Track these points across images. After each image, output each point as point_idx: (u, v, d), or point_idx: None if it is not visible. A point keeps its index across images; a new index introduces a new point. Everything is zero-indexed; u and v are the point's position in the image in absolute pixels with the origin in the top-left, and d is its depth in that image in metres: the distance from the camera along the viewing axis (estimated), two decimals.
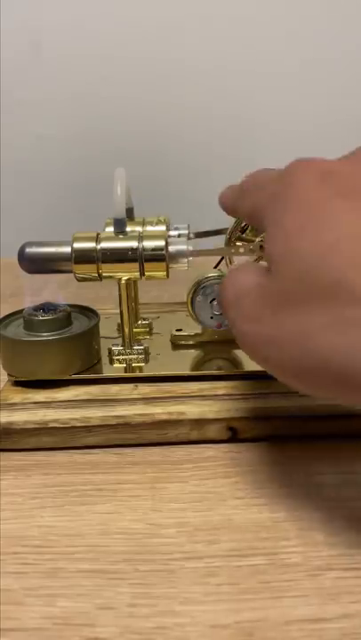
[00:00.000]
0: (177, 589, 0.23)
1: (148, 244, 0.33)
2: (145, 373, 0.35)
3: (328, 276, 0.21)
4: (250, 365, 0.35)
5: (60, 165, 0.69)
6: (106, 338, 0.37)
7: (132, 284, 0.36)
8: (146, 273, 0.34)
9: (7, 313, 0.36)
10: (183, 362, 0.36)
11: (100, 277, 0.34)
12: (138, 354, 0.36)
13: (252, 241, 0.36)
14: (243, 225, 0.35)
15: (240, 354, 0.37)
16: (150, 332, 0.40)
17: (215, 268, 0.37)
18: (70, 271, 0.34)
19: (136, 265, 0.33)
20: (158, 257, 0.33)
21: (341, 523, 0.26)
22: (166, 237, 0.34)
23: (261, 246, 0.34)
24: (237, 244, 0.35)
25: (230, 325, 0.25)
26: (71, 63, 0.67)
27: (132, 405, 0.32)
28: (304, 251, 0.21)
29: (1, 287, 0.50)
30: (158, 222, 0.36)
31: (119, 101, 0.68)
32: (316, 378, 0.21)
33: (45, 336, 0.34)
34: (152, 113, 0.68)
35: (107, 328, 0.38)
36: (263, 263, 0.27)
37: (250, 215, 0.28)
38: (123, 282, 0.35)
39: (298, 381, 0.22)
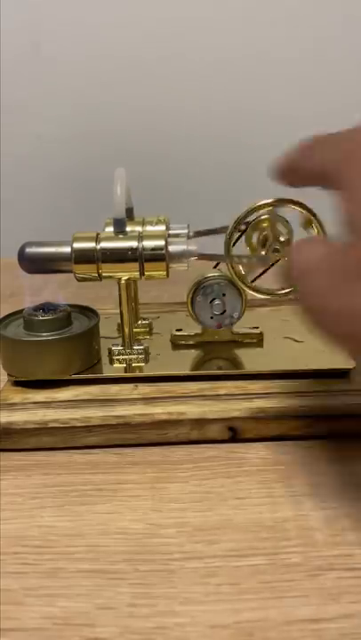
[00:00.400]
0: (177, 589, 0.23)
1: (148, 243, 0.33)
2: (145, 373, 0.35)
3: None
4: (250, 365, 0.35)
5: (60, 165, 0.69)
6: (106, 338, 0.37)
7: (132, 284, 0.36)
8: (146, 273, 0.34)
9: (7, 313, 0.36)
10: (183, 362, 0.36)
11: (100, 277, 0.34)
12: (138, 354, 0.36)
13: (251, 243, 0.36)
14: (245, 222, 0.35)
15: (240, 354, 0.37)
16: (150, 332, 0.40)
17: (215, 267, 0.37)
18: (70, 271, 0.34)
19: (136, 265, 0.33)
20: (158, 257, 0.33)
21: (341, 523, 0.26)
22: (166, 237, 0.34)
23: (263, 258, 0.34)
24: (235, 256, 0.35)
25: (300, 299, 0.23)
26: (71, 63, 0.67)
27: (132, 405, 0.32)
28: None
29: (1, 287, 0.50)
30: (158, 222, 0.36)
31: (119, 101, 0.68)
32: None
33: (45, 336, 0.34)
34: (152, 113, 0.68)
35: (107, 328, 0.38)
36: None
37: (319, 172, 0.26)
38: (123, 282, 0.35)
39: None
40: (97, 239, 0.33)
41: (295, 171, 0.27)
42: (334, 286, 0.22)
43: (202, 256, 0.34)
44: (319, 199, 0.29)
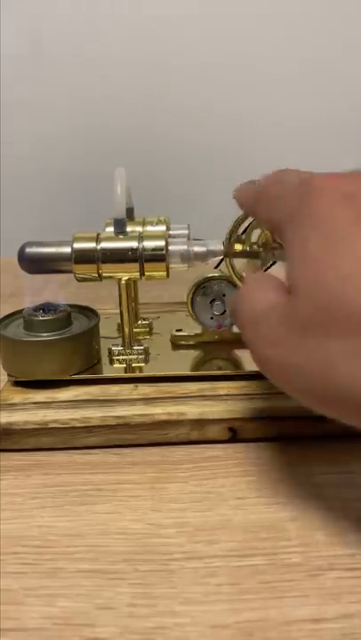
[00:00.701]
0: (177, 589, 0.23)
1: (148, 244, 0.33)
2: (145, 373, 0.35)
3: (351, 305, 0.20)
4: (250, 365, 0.35)
5: (61, 165, 0.69)
6: (106, 338, 0.37)
7: (132, 284, 0.36)
8: (146, 273, 0.34)
9: (7, 313, 0.36)
10: (183, 362, 0.36)
11: (100, 277, 0.34)
12: (138, 354, 0.36)
13: (252, 243, 0.36)
14: (243, 226, 0.35)
15: (240, 354, 0.37)
16: (150, 332, 0.40)
17: (215, 268, 0.37)
18: (70, 271, 0.34)
19: (136, 265, 0.33)
20: (158, 257, 0.33)
21: (341, 523, 0.26)
22: (166, 237, 0.34)
23: (261, 253, 0.34)
24: (237, 246, 0.35)
25: (249, 347, 0.25)
26: (71, 63, 0.67)
27: (132, 406, 0.32)
28: (328, 277, 0.21)
29: (1, 287, 0.50)
30: (158, 222, 0.36)
31: (119, 101, 0.68)
32: (339, 406, 0.21)
33: (45, 336, 0.34)
34: (152, 113, 0.68)
35: (107, 328, 0.38)
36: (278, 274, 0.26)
37: (267, 224, 0.28)
38: (123, 282, 0.35)
39: (321, 407, 0.22)
40: (97, 239, 0.33)
41: (250, 212, 0.30)
42: (279, 339, 0.23)
43: (200, 256, 0.34)
44: None
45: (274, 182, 0.27)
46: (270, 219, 0.26)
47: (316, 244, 0.22)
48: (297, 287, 0.23)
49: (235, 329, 0.37)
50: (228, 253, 0.35)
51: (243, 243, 0.35)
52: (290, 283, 0.23)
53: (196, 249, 0.34)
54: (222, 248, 0.34)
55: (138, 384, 0.34)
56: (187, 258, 0.34)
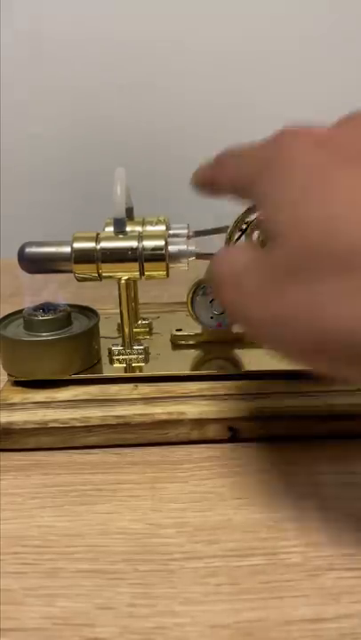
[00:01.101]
0: (177, 589, 0.23)
1: (148, 243, 0.33)
2: (145, 373, 0.35)
3: (341, 243, 0.20)
4: (250, 365, 0.35)
5: (60, 165, 0.69)
6: (106, 338, 0.37)
7: (131, 284, 0.36)
8: (146, 273, 0.34)
9: (7, 313, 0.36)
10: (183, 362, 0.36)
11: (100, 277, 0.34)
12: (138, 354, 0.36)
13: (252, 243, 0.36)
14: (243, 226, 0.35)
15: (240, 354, 0.37)
16: (150, 332, 0.40)
17: None
18: (70, 271, 0.34)
19: (136, 265, 0.33)
20: (158, 257, 0.33)
21: (342, 523, 0.26)
22: (166, 237, 0.34)
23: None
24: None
25: (230, 308, 0.24)
26: (71, 63, 0.67)
27: (132, 405, 0.32)
28: (312, 218, 0.20)
29: (1, 287, 0.50)
30: (158, 222, 0.36)
31: (119, 101, 0.68)
32: (328, 353, 0.20)
33: (45, 336, 0.34)
34: (152, 113, 0.68)
35: (107, 328, 0.38)
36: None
37: (234, 185, 0.26)
38: (123, 282, 0.35)
39: (307, 359, 0.21)
40: (97, 239, 0.33)
41: (211, 184, 0.28)
42: (263, 291, 0.22)
43: (200, 255, 0.34)
44: None
45: (226, 150, 0.27)
46: (238, 176, 0.25)
47: (295, 189, 0.21)
48: (278, 234, 0.22)
49: (235, 329, 0.37)
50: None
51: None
52: (268, 232, 0.22)
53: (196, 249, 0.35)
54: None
55: (138, 384, 0.34)
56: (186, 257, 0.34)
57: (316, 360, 0.21)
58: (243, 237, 0.35)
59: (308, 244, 0.20)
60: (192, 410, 0.32)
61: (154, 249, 0.33)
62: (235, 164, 0.26)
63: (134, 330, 0.37)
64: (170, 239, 0.34)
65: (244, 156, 0.26)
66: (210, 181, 0.28)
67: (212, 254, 0.34)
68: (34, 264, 0.34)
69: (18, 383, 0.34)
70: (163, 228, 0.35)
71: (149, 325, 0.40)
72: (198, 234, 0.36)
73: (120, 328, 0.37)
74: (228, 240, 0.35)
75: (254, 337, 0.23)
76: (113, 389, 0.34)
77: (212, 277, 0.25)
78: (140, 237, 0.33)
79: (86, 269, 0.33)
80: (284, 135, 0.24)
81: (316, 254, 0.20)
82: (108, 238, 0.34)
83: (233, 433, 0.32)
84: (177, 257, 0.34)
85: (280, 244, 0.21)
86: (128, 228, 0.34)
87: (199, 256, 0.35)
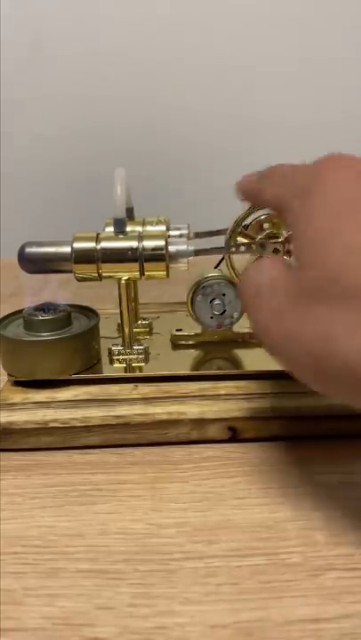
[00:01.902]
0: (177, 589, 0.23)
1: (148, 243, 0.33)
2: (145, 373, 0.35)
3: (356, 278, 0.21)
4: (250, 365, 0.35)
5: (60, 165, 0.69)
6: (106, 338, 0.37)
7: (131, 284, 0.36)
8: (146, 273, 0.34)
9: (7, 313, 0.36)
10: (183, 362, 0.36)
11: (100, 277, 0.34)
12: (138, 354, 0.36)
13: (253, 238, 0.36)
14: (244, 225, 0.35)
15: (240, 354, 0.37)
16: (150, 332, 0.40)
17: (215, 268, 0.37)
18: (70, 271, 0.34)
19: (136, 265, 0.33)
20: (158, 257, 0.33)
21: (341, 523, 0.26)
22: (166, 237, 0.34)
23: (262, 244, 0.35)
24: (238, 240, 0.35)
25: (251, 319, 0.25)
26: (71, 63, 0.67)
27: (132, 405, 0.32)
28: (336, 252, 0.22)
29: (1, 287, 0.50)
30: (158, 222, 0.36)
31: (119, 101, 0.68)
32: (335, 379, 0.21)
33: (45, 336, 0.34)
34: (152, 113, 0.68)
35: (107, 328, 0.38)
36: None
37: (273, 204, 0.28)
38: (123, 282, 0.35)
39: (316, 381, 0.22)
40: (97, 239, 0.33)
41: (254, 197, 0.30)
42: (283, 309, 0.23)
43: (199, 251, 0.34)
44: None
45: (277, 166, 0.28)
46: (276, 194, 0.27)
47: (326, 218, 0.23)
48: (303, 258, 0.23)
49: (235, 329, 0.37)
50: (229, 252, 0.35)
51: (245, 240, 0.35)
52: (296, 255, 0.24)
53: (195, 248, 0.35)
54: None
55: (138, 384, 0.34)
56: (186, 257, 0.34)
57: (324, 384, 0.22)
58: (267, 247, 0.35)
59: (327, 273, 0.22)
60: (192, 410, 0.32)
61: (154, 249, 0.33)
62: (276, 183, 0.27)
63: (134, 330, 0.37)
64: (170, 239, 0.34)
65: (286, 177, 0.27)
66: (253, 192, 0.29)
67: (210, 249, 0.35)
68: (34, 264, 0.34)
69: (18, 383, 0.34)
70: (163, 228, 0.35)
71: (149, 325, 0.40)
72: (198, 235, 0.36)
73: (120, 328, 0.37)
74: (229, 240, 0.35)
75: (270, 350, 0.24)
76: (113, 389, 0.34)
77: (238, 287, 0.26)
78: (141, 237, 0.33)
79: (86, 269, 0.33)
80: (326, 164, 0.25)
81: (334, 284, 0.21)
82: (108, 238, 0.34)
83: (233, 433, 0.32)
84: (177, 257, 0.34)
85: (303, 268, 0.23)
86: (128, 228, 0.34)
87: (198, 252, 0.35)
